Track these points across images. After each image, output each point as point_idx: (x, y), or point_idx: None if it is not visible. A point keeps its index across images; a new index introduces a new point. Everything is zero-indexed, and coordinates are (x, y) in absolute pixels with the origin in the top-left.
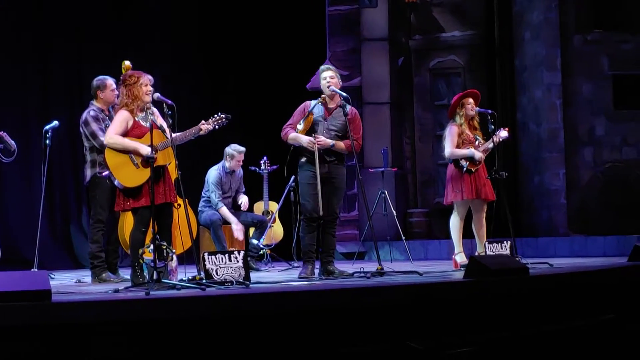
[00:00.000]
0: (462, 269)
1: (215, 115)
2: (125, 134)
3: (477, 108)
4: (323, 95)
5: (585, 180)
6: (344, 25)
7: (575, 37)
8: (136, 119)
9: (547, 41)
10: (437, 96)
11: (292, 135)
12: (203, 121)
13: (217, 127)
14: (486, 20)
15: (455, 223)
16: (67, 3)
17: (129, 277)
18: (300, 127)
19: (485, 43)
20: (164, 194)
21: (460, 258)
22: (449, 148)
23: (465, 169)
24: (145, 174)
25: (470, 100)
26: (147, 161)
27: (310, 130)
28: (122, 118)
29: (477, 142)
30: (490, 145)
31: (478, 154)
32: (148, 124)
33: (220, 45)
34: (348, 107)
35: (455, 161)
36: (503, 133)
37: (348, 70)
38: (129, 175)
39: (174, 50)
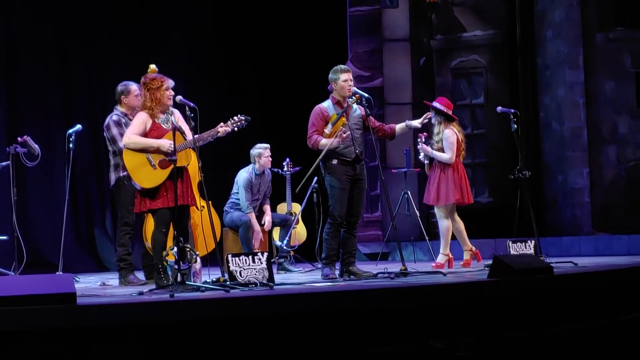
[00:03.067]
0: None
1: (235, 118)
2: (144, 135)
3: (500, 107)
4: (357, 95)
5: (608, 179)
6: (365, 25)
7: (598, 35)
8: (156, 121)
9: (569, 39)
10: (459, 96)
11: (324, 141)
12: (222, 123)
13: (236, 129)
14: (508, 19)
15: None
16: (87, 6)
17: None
18: (327, 131)
19: (507, 42)
20: (182, 195)
21: (441, 259)
22: None
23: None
24: (162, 175)
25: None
26: (165, 162)
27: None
28: (140, 120)
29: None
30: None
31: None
32: (168, 126)
33: (240, 46)
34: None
35: None
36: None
37: (369, 71)
38: (146, 176)
39: (194, 52)
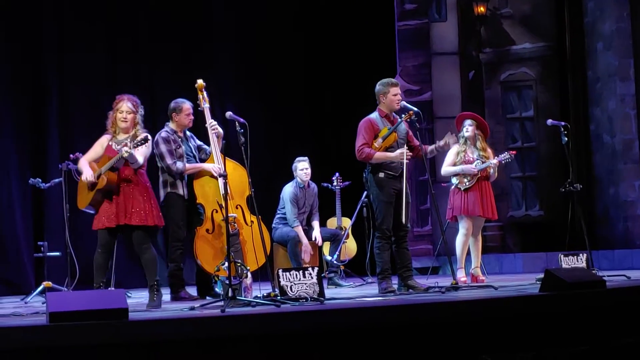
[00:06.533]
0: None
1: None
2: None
3: (550, 120)
4: (412, 112)
5: None
6: (414, 39)
7: None
8: (110, 143)
9: (620, 51)
10: (509, 109)
11: (379, 154)
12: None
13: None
14: (557, 31)
15: (458, 239)
16: (139, 24)
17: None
18: (377, 144)
19: (557, 55)
20: (116, 215)
21: (459, 273)
22: (443, 166)
23: (454, 186)
24: (88, 199)
25: (468, 121)
26: (92, 186)
27: (387, 147)
28: (99, 142)
29: (474, 164)
30: (489, 164)
31: (468, 169)
32: (117, 148)
33: (288, 62)
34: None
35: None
36: (504, 155)
37: (418, 85)
38: (80, 198)
39: (243, 67)
